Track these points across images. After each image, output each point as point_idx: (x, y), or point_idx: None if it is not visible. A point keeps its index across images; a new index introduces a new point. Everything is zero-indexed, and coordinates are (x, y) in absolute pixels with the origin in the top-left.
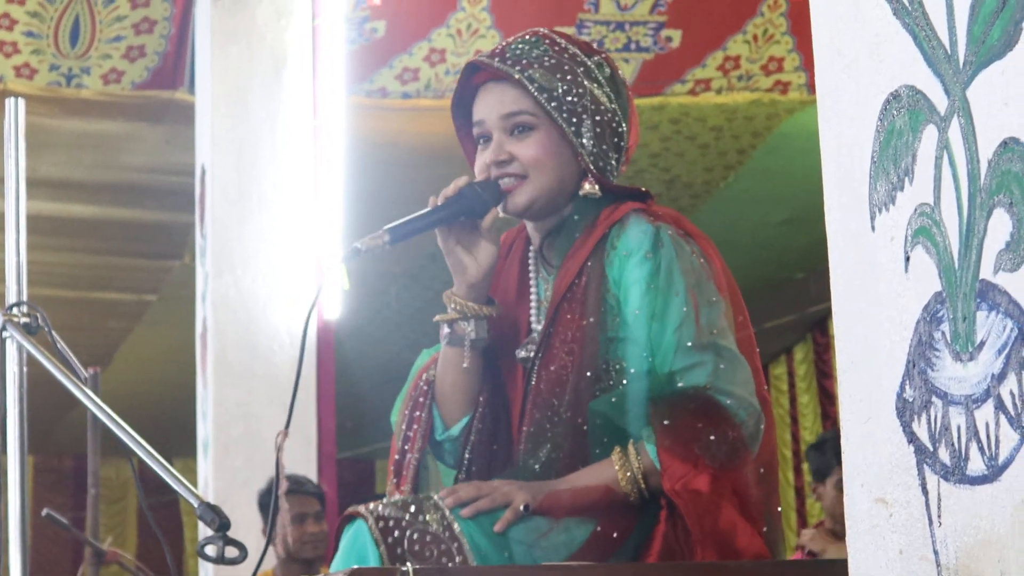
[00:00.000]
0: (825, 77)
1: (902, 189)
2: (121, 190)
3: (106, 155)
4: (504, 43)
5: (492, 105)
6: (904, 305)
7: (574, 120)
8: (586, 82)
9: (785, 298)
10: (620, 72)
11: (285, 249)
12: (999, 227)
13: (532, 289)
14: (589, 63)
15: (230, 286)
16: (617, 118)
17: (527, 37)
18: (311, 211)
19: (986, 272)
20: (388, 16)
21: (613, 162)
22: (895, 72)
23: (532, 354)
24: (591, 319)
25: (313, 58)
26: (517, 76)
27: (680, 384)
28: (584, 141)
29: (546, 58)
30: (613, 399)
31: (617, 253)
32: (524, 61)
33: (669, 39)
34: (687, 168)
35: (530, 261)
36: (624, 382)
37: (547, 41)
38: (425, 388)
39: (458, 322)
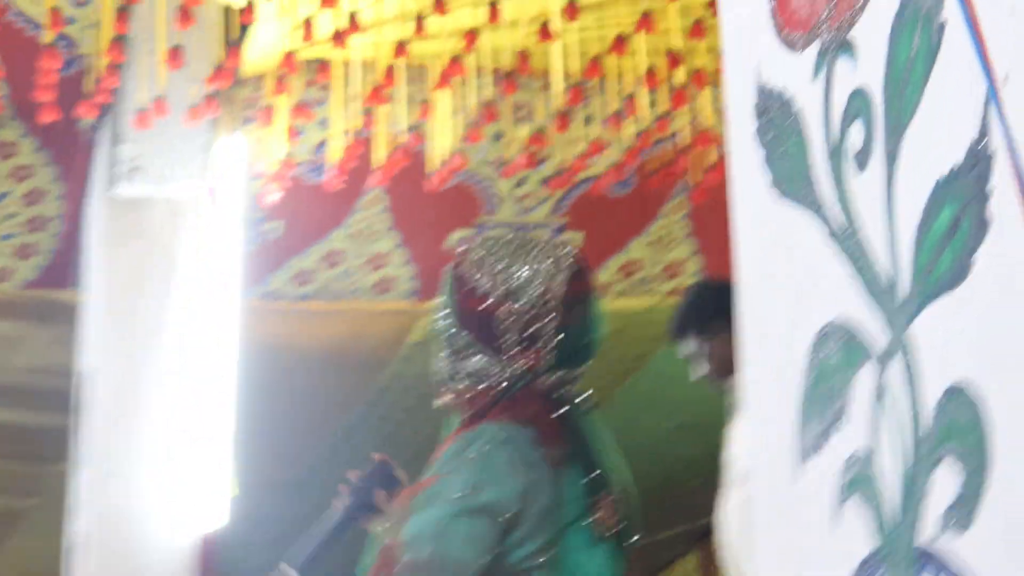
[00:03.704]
0: (750, 306)
1: (834, 434)
2: (2, 392)
3: None
4: None
5: None
6: (836, 563)
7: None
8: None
9: (677, 507)
10: (462, 263)
11: (171, 458)
12: (945, 482)
13: None
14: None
15: (111, 495)
16: (450, 320)
17: None
18: (200, 418)
19: (930, 531)
20: (285, 217)
21: (469, 363)
22: (830, 303)
23: None
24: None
25: (208, 260)
26: None
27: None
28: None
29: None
30: None
31: (440, 458)
32: None
33: (570, 242)
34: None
35: None
36: None
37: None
38: None
39: None
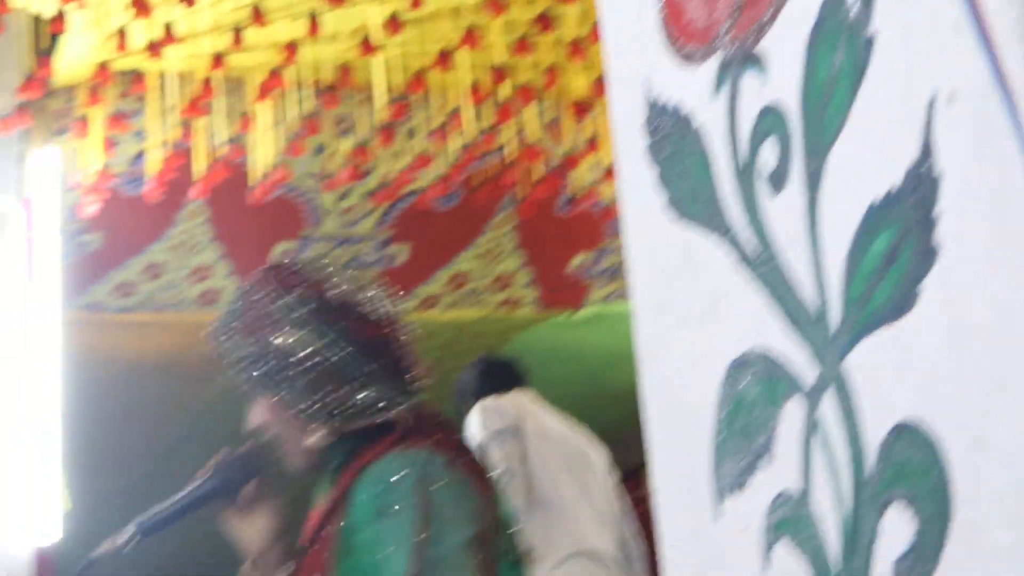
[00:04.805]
0: (649, 335)
1: (756, 472)
2: None
3: None
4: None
5: None
6: None
7: (275, 380)
8: (284, 330)
9: None
10: (336, 293)
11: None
12: (895, 528)
13: None
14: (290, 301)
15: None
16: (332, 351)
17: (241, 290)
18: (27, 432)
19: None
20: (104, 229)
21: (357, 396)
22: (743, 333)
23: None
24: (331, 559)
25: (26, 272)
26: (218, 351)
27: None
28: (287, 398)
29: (244, 318)
30: None
31: (360, 488)
32: (225, 329)
33: (395, 255)
34: None
35: None
36: None
37: (242, 295)
38: None
39: None
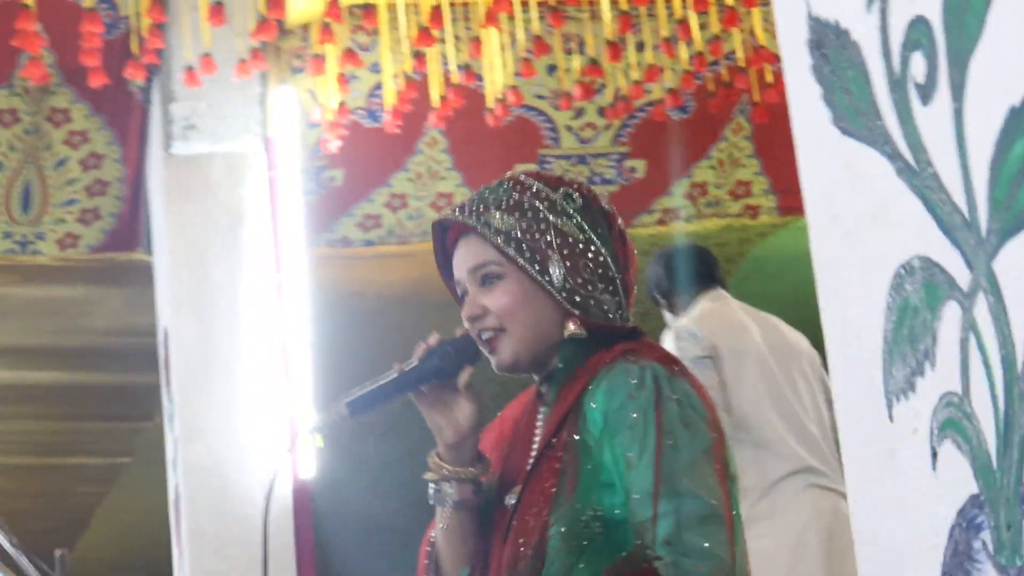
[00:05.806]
0: (822, 247)
1: (923, 375)
2: (83, 354)
3: (66, 320)
4: (472, 195)
5: (462, 260)
6: (934, 508)
7: (538, 258)
8: (550, 216)
9: None
10: (600, 200)
11: (255, 411)
12: None
13: (536, 435)
14: (554, 196)
15: (201, 451)
16: (595, 247)
17: (492, 184)
18: (279, 370)
19: None
20: (345, 164)
21: (604, 295)
22: (904, 241)
23: (515, 501)
24: (568, 467)
25: (272, 211)
26: (475, 224)
27: (640, 541)
28: (553, 279)
29: (505, 199)
30: (584, 542)
31: (597, 398)
32: (481, 207)
33: (633, 169)
34: None
35: (539, 408)
36: (599, 529)
37: (509, 182)
38: (428, 549)
39: (440, 483)
